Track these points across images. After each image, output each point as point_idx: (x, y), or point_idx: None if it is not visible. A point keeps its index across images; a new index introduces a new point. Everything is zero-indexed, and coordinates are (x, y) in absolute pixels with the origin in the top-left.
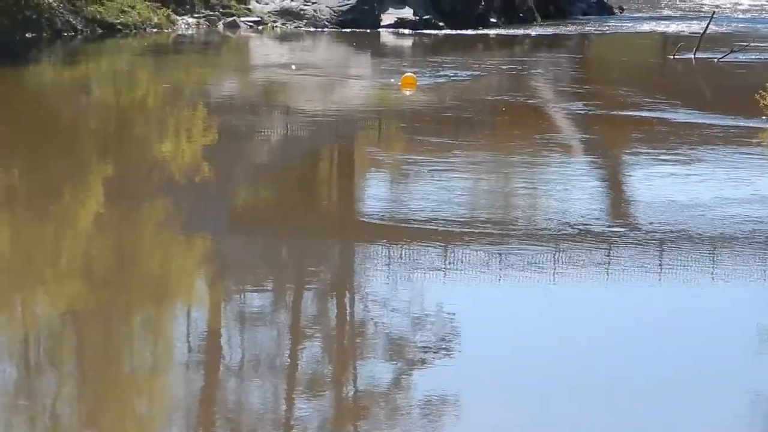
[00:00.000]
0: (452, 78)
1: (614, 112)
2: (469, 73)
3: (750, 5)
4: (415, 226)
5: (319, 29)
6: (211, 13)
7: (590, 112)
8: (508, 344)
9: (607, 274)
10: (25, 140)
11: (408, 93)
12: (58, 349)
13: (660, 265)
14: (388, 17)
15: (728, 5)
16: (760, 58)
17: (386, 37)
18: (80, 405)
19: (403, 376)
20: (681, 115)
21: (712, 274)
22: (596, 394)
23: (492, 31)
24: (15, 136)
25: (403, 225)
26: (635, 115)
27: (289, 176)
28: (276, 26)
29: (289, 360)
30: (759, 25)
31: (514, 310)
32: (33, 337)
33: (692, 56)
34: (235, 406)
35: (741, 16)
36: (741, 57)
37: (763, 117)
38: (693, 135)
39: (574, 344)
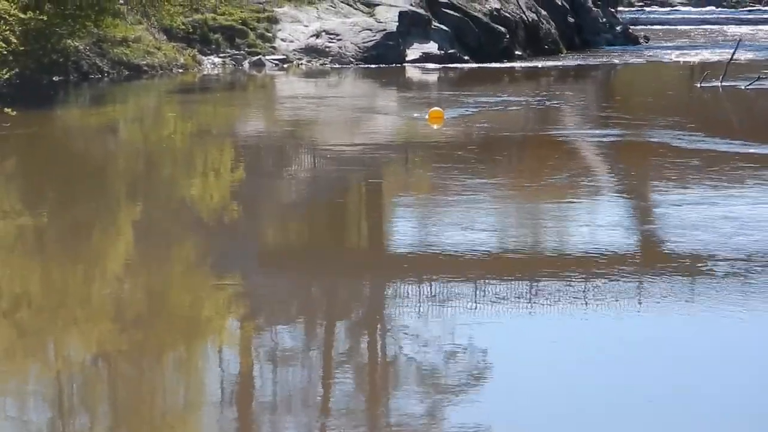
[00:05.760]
0: (480, 111)
1: (644, 140)
2: (496, 104)
3: None
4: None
5: (345, 65)
6: (237, 52)
7: (622, 140)
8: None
9: None
10: (57, 183)
11: (436, 127)
12: (92, 392)
13: None
14: (413, 52)
15: (754, 32)
16: None
17: (412, 71)
18: None
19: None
20: (710, 144)
21: None
22: None
23: (518, 64)
24: (47, 179)
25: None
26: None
27: (317, 214)
28: (302, 63)
29: (330, 398)
30: None
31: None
32: (66, 379)
33: (719, 84)
34: None
35: None
36: None
37: None
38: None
39: None
